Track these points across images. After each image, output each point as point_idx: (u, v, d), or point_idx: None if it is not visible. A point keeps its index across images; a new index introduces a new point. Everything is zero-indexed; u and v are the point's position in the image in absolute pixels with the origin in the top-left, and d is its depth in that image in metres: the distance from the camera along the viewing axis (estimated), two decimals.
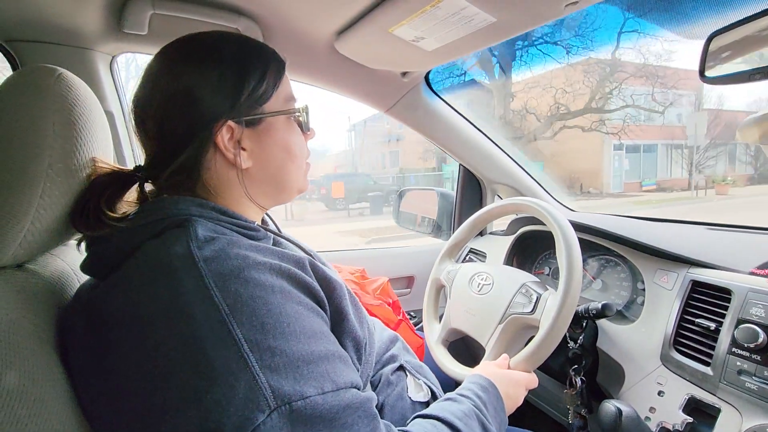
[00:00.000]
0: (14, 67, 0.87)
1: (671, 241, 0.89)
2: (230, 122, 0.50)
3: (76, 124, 0.48)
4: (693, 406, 0.70)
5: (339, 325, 0.50)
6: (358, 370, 0.51)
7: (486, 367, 0.72)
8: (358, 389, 0.46)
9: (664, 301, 0.83)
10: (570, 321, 0.74)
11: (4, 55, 0.86)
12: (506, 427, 0.63)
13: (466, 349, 1.25)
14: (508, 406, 0.65)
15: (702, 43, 0.66)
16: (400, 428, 0.49)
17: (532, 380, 0.73)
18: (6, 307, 0.42)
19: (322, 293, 0.48)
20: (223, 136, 0.49)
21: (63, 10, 0.79)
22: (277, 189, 0.56)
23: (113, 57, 0.97)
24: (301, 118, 0.57)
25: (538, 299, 0.81)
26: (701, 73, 0.66)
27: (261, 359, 0.39)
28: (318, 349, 0.43)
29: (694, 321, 0.75)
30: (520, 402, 0.69)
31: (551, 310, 0.74)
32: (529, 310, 0.81)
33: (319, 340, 0.44)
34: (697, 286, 0.78)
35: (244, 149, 0.51)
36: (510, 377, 0.69)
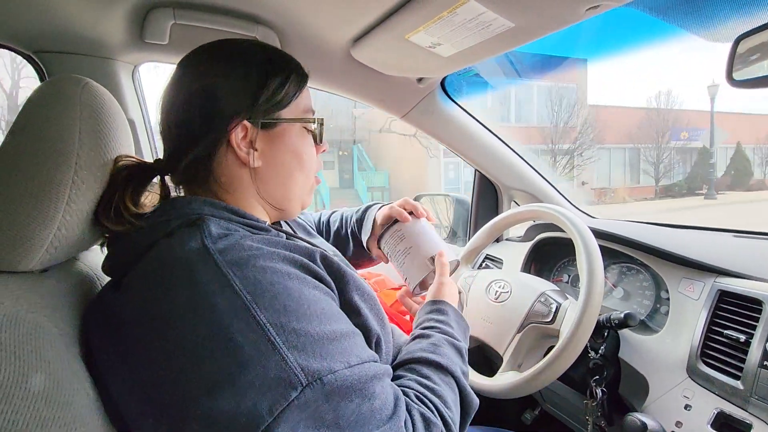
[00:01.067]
0: (41, 76, 0.90)
1: (697, 249, 0.86)
2: (246, 122, 0.51)
3: (100, 132, 0.49)
4: (722, 422, 0.67)
5: (350, 317, 0.51)
6: None
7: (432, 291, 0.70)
8: (408, 361, 0.54)
9: (689, 311, 0.80)
10: (591, 331, 0.72)
11: (32, 65, 0.89)
12: (469, 330, 0.68)
13: (483, 357, 1.24)
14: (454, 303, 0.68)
15: (729, 45, 0.64)
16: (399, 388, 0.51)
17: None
18: (31, 311, 0.43)
19: (333, 284, 0.50)
20: (237, 135, 0.51)
21: (88, 21, 0.82)
22: (283, 195, 0.57)
23: (135, 66, 1.00)
24: (315, 130, 0.58)
25: (558, 308, 0.80)
26: (729, 76, 0.64)
27: (287, 341, 0.40)
28: (339, 328, 0.45)
29: (722, 332, 0.72)
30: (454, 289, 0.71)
31: (571, 320, 0.73)
32: (549, 319, 0.79)
33: (338, 320, 0.46)
34: (725, 296, 0.75)
35: (255, 149, 0.53)
36: (444, 285, 0.69)
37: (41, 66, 0.88)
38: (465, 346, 0.61)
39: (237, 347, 0.39)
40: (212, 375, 0.39)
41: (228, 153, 0.52)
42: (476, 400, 0.57)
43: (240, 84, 0.51)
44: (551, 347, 0.75)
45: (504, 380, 0.78)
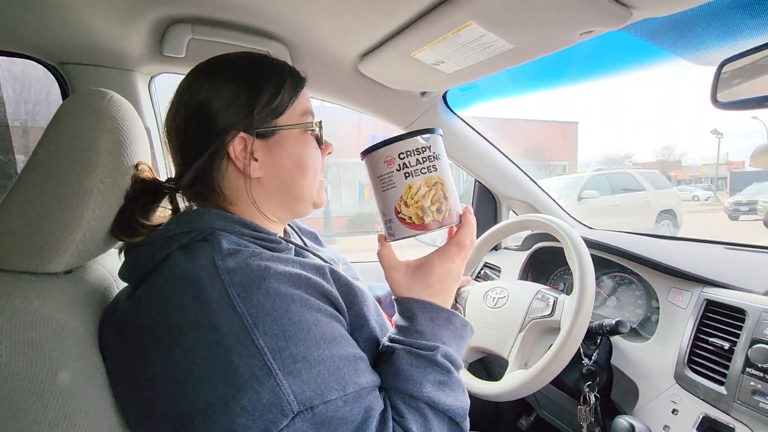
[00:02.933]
0: (63, 87, 0.94)
1: (686, 260, 0.90)
2: (242, 133, 0.52)
3: (123, 142, 0.52)
4: (707, 425, 0.70)
5: (358, 330, 0.52)
6: None
7: (395, 287, 0.55)
8: (380, 389, 0.48)
9: (678, 319, 0.84)
10: (589, 318, 0.74)
11: (55, 76, 0.93)
12: (468, 329, 0.56)
13: (483, 369, 1.26)
14: (441, 290, 0.54)
15: (714, 69, 0.68)
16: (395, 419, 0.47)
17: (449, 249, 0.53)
18: (57, 311, 0.46)
19: (341, 300, 0.50)
20: (235, 147, 0.52)
21: (112, 36, 0.86)
22: (290, 200, 0.57)
23: (152, 77, 1.04)
24: (316, 132, 0.58)
25: (555, 302, 0.82)
26: (713, 98, 0.69)
27: (283, 366, 0.41)
28: (339, 353, 0.45)
29: (707, 340, 0.76)
30: (458, 271, 0.55)
31: (570, 310, 0.75)
32: (549, 312, 0.82)
33: (339, 344, 0.45)
34: (711, 305, 0.79)
35: (256, 159, 0.53)
36: (421, 275, 0.54)
37: (64, 76, 0.93)
38: (438, 346, 0.51)
39: (234, 370, 0.40)
40: (207, 397, 0.40)
41: (229, 166, 0.53)
42: (460, 405, 0.50)
43: (232, 97, 0.52)
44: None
45: (512, 380, 0.79)
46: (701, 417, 0.71)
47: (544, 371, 0.75)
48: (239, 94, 0.52)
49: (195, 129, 0.53)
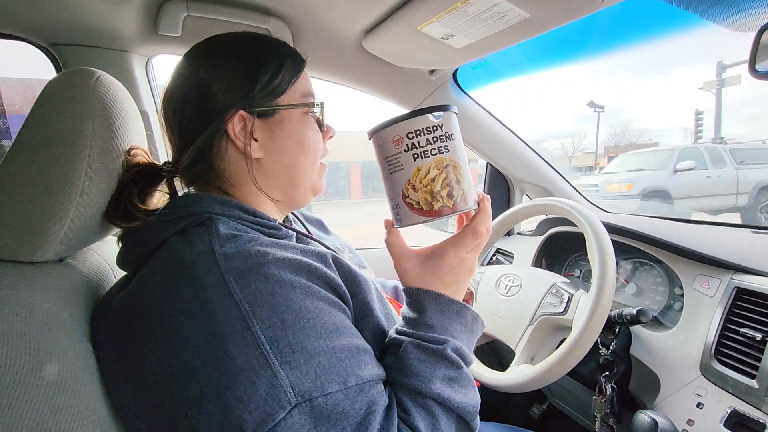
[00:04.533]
0: (57, 69, 0.91)
1: (713, 245, 0.84)
2: (242, 112, 0.51)
3: (113, 124, 0.49)
4: (736, 420, 0.66)
5: (363, 319, 0.49)
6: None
7: (404, 277, 0.52)
8: (384, 382, 0.46)
9: (704, 308, 0.79)
10: (604, 321, 0.71)
11: (49, 57, 0.90)
12: (479, 323, 0.52)
13: (494, 354, 1.23)
14: (452, 281, 0.50)
15: (753, 36, 0.62)
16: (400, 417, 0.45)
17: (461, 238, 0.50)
18: (47, 301, 0.44)
19: (344, 288, 0.48)
20: (235, 126, 0.51)
21: (104, 14, 0.82)
22: (290, 183, 0.55)
23: (148, 59, 1.00)
24: (318, 115, 0.56)
25: (570, 299, 0.79)
26: (752, 67, 0.62)
27: (281, 356, 0.39)
28: (341, 344, 0.43)
29: (737, 330, 0.71)
30: (472, 261, 0.51)
31: (584, 310, 0.72)
32: (561, 310, 0.79)
33: (341, 335, 0.44)
34: (742, 293, 0.74)
35: (255, 140, 0.52)
36: (432, 264, 0.50)
37: (57, 58, 0.89)
38: (448, 340, 0.48)
39: (229, 359, 0.38)
40: (202, 386, 0.39)
41: (228, 146, 0.52)
42: (470, 403, 0.48)
43: (233, 75, 0.51)
44: (563, 339, 0.74)
45: (517, 374, 0.78)
46: (729, 411, 0.66)
47: (549, 370, 0.72)
48: (240, 73, 0.51)
49: (194, 108, 0.51)
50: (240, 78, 0.51)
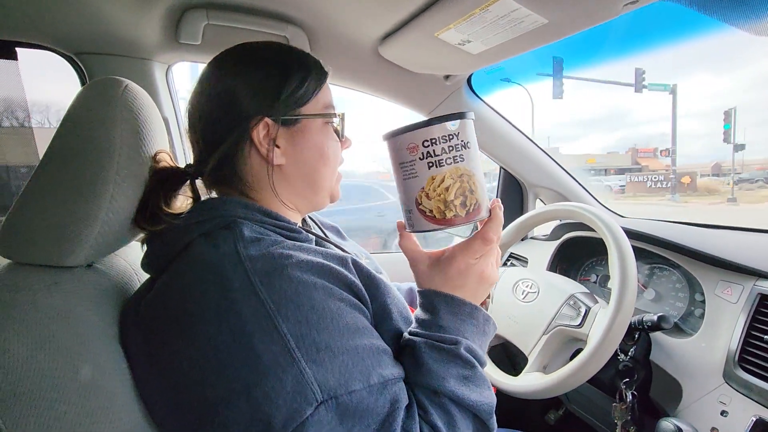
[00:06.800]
0: (81, 77, 0.93)
1: (734, 251, 0.83)
2: (267, 119, 0.52)
3: (140, 132, 0.51)
4: (761, 429, 0.65)
5: (382, 322, 0.50)
6: None
7: (418, 279, 0.54)
8: (404, 381, 0.47)
9: (726, 314, 0.78)
10: (621, 337, 0.70)
11: (73, 66, 0.92)
12: (491, 325, 0.53)
13: (507, 356, 1.23)
14: (461, 284, 0.51)
15: None
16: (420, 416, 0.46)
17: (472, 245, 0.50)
18: (79, 304, 0.45)
19: (364, 291, 0.49)
20: (259, 132, 0.52)
21: (127, 24, 0.84)
22: (310, 189, 0.57)
23: (169, 66, 1.02)
24: (337, 125, 0.58)
25: (587, 312, 0.78)
26: None
27: (307, 353, 0.40)
28: (362, 344, 0.44)
29: (762, 337, 0.70)
30: (482, 267, 0.51)
31: (601, 325, 0.71)
32: (578, 323, 0.78)
33: (363, 335, 0.45)
34: (766, 300, 0.73)
35: (278, 147, 0.53)
36: (441, 267, 0.51)
37: (81, 67, 0.91)
38: (461, 340, 0.49)
39: (256, 356, 0.39)
40: (230, 383, 0.39)
41: (252, 152, 0.53)
42: (486, 402, 0.48)
43: (260, 83, 0.52)
44: (578, 350, 0.74)
45: (528, 381, 0.77)
46: (755, 420, 0.65)
47: (561, 382, 0.72)
48: (267, 81, 0.52)
49: (220, 113, 0.52)
50: (267, 86, 0.52)
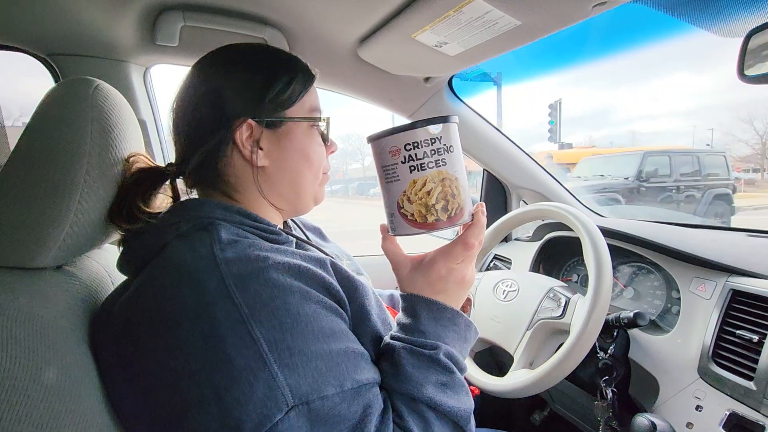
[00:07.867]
0: (56, 79, 0.92)
1: (709, 248, 0.85)
2: (250, 120, 0.51)
3: (111, 133, 0.50)
4: (735, 423, 0.66)
5: (361, 324, 0.50)
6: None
7: (400, 283, 0.54)
8: (380, 386, 0.47)
9: (701, 311, 0.79)
10: (602, 323, 0.71)
11: (47, 68, 0.91)
12: (472, 331, 0.53)
13: (493, 360, 1.23)
14: (442, 289, 0.51)
15: (740, 41, 0.63)
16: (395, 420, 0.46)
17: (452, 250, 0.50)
18: (45, 307, 0.44)
19: (342, 293, 0.48)
20: (242, 133, 0.51)
21: (101, 25, 0.83)
22: (293, 192, 0.57)
23: (146, 68, 1.01)
24: (322, 129, 0.58)
25: (567, 303, 0.79)
26: (740, 72, 0.63)
27: (279, 358, 0.39)
28: (338, 348, 0.43)
29: (734, 332, 0.71)
30: (463, 272, 0.51)
31: (582, 313, 0.72)
32: (559, 314, 0.79)
33: (339, 339, 0.44)
34: (738, 295, 0.74)
35: (261, 148, 0.53)
36: (423, 271, 0.51)
37: (56, 69, 0.90)
38: (440, 345, 0.49)
39: (228, 361, 0.39)
40: (202, 388, 0.39)
41: (234, 153, 0.53)
42: (463, 408, 0.48)
43: (245, 85, 0.52)
44: (562, 344, 0.74)
45: (516, 379, 0.77)
46: (728, 414, 0.66)
47: (548, 375, 0.72)
48: (252, 82, 0.52)
49: (204, 113, 0.52)
50: (252, 87, 0.52)
